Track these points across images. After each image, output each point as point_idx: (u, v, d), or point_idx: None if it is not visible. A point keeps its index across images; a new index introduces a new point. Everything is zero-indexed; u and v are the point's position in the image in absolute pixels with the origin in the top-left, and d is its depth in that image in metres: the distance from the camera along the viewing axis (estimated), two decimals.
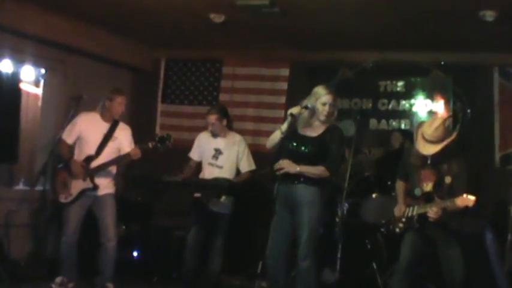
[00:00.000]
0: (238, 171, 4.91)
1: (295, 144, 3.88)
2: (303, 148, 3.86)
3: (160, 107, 6.80)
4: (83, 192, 4.48)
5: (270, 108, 6.38)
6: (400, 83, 6.09)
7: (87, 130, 4.57)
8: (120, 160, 4.57)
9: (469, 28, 5.00)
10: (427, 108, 6.00)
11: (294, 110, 3.86)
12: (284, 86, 6.38)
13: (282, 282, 3.89)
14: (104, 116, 4.60)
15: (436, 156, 3.80)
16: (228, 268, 5.02)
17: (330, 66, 6.17)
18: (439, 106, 5.93)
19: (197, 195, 4.77)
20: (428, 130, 3.81)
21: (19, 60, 5.44)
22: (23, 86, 5.69)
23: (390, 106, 6.11)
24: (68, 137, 4.59)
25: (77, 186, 4.48)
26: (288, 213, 3.87)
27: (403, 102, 6.07)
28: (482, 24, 4.73)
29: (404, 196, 4.02)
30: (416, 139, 3.89)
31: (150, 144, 4.50)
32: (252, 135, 6.21)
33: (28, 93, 5.83)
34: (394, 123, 6.08)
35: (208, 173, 4.86)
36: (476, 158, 5.36)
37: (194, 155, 5.00)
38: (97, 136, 4.55)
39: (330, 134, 3.87)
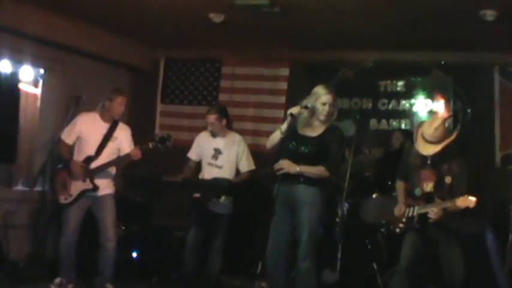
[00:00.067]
0: (237, 171, 4.90)
1: (295, 144, 3.88)
2: (302, 148, 3.85)
3: (159, 107, 6.80)
4: (82, 193, 4.47)
5: (269, 108, 6.37)
6: (400, 83, 6.09)
7: (86, 130, 4.56)
8: (120, 161, 4.56)
9: (469, 28, 4.99)
10: (428, 108, 6.00)
11: (294, 110, 3.85)
12: (284, 85, 6.37)
13: (282, 282, 3.88)
14: (103, 116, 4.59)
15: (436, 157, 3.80)
16: (227, 268, 5.01)
17: (330, 66, 6.16)
18: (439, 106, 5.93)
19: (197, 195, 4.76)
20: (428, 130, 3.80)
21: (18, 60, 5.43)
22: (21, 86, 5.67)
23: (390, 106, 6.11)
24: (68, 137, 4.58)
25: (77, 186, 4.47)
26: (288, 214, 3.86)
27: (403, 102, 6.06)
28: (482, 23, 4.73)
29: (404, 196, 4.02)
30: (416, 139, 3.88)
31: (150, 145, 4.49)
32: (252, 135, 6.20)
33: (27, 94, 5.82)
34: (394, 123, 6.08)
35: (208, 173, 4.85)
36: (476, 158, 5.36)
37: (193, 155, 4.99)
38: (97, 136, 4.54)
39: (330, 134, 3.87)
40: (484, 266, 4.56)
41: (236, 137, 4.94)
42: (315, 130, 3.90)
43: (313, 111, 3.87)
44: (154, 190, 5.43)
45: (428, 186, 3.86)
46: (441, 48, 5.73)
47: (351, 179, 4.49)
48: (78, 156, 4.54)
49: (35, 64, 5.64)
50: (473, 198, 3.56)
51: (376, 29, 5.32)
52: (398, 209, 3.98)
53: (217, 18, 5.18)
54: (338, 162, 3.94)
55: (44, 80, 5.86)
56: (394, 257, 4.16)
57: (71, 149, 4.59)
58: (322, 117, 3.87)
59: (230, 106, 5.71)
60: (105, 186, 4.55)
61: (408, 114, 6.05)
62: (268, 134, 4.12)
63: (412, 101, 6.04)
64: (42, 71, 5.84)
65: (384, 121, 6.10)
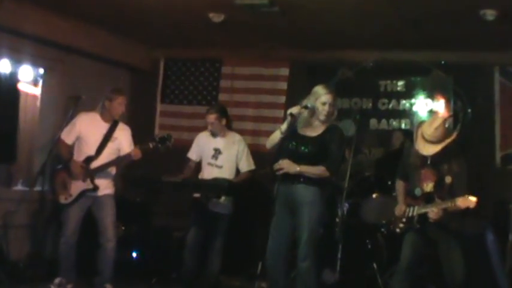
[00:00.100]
0: (237, 171, 4.90)
1: (295, 144, 3.87)
2: (302, 148, 3.85)
3: (159, 107, 6.79)
4: (83, 193, 4.46)
5: (269, 108, 6.36)
6: (401, 83, 6.08)
7: (86, 130, 4.55)
8: (120, 161, 4.55)
9: (469, 27, 4.99)
10: (428, 107, 5.99)
11: (294, 109, 3.84)
12: (284, 85, 6.36)
13: (282, 283, 3.87)
14: (103, 116, 4.58)
15: (436, 156, 3.79)
16: (227, 269, 5.00)
17: (330, 65, 6.15)
18: (439, 106, 5.92)
19: (196, 195, 4.76)
20: (428, 130, 3.79)
21: (17, 60, 5.42)
22: (21, 86, 5.67)
23: (390, 106, 6.10)
24: (67, 137, 4.57)
25: (77, 187, 4.46)
26: (287, 214, 3.85)
27: (404, 101, 6.06)
28: (482, 23, 4.72)
29: (404, 196, 4.01)
30: (416, 139, 3.87)
31: (150, 145, 4.48)
32: (252, 135, 6.20)
33: (26, 94, 5.82)
34: (394, 123, 6.07)
35: (208, 173, 4.84)
36: (477, 158, 5.35)
37: (193, 155, 4.98)
38: (97, 136, 4.53)
39: (329, 134, 3.86)
40: (484, 266, 4.55)
41: (236, 137, 4.93)
42: (315, 130, 3.89)
43: (313, 111, 3.86)
44: (154, 190, 5.41)
45: (429, 186, 3.85)
46: (441, 48, 5.72)
47: (351, 179, 4.48)
48: (78, 156, 4.53)
49: (35, 64, 5.64)
50: (473, 199, 3.55)
51: (376, 29, 5.32)
52: (399, 209, 3.97)
53: (217, 18, 5.17)
54: (338, 162, 3.93)
55: (43, 80, 5.86)
56: (394, 257, 4.15)
57: (70, 149, 4.58)
58: (322, 117, 3.86)
59: (230, 106, 5.70)
60: (105, 186, 4.54)
61: (408, 114, 6.04)
62: (268, 134, 4.11)
63: (412, 100, 6.03)
64: (41, 70, 5.84)
65: (384, 121, 6.09)
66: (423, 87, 6.02)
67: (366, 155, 5.58)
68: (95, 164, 4.49)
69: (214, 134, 4.87)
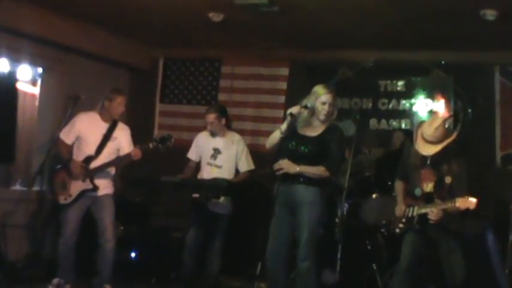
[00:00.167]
0: (237, 171, 4.88)
1: (294, 144, 3.86)
2: (302, 148, 3.84)
3: (158, 106, 6.78)
4: (82, 193, 4.45)
5: (269, 107, 6.35)
6: (401, 83, 6.07)
7: (86, 130, 4.54)
8: (120, 161, 4.54)
9: (469, 27, 4.98)
10: (428, 107, 5.98)
11: (294, 109, 3.84)
12: (283, 85, 6.35)
13: (282, 283, 3.86)
14: (103, 116, 4.57)
15: (436, 157, 3.78)
16: (227, 269, 4.99)
17: (330, 65, 6.14)
18: (439, 106, 5.91)
19: (196, 195, 4.74)
20: (428, 130, 3.78)
21: (16, 60, 5.40)
22: (20, 85, 5.65)
23: (390, 106, 6.09)
24: (67, 137, 4.55)
25: (77, 187, 4.44)
26: (287, 214, 3.85)
27: (404, 101, 6.05)
28: (483, 23, 4.72)
29: (403, 196, 4.00)
30: (415, 139, 3.87)
31: (151, 145, 4.47)
32: (251, 135, 6.19)
33: (25, 93, 5.80)
34: (394, 123, 6.06)
35: (207, 172, 4.83)
36: (477, 158, 5.34)
37: (192, 155, 4.98)
38: (96, 136, 4.52)
39: (329, 134, 3.85)
40: (484, 266, 4.55)
41: (235, 137, 4.93)
42: (315, 130, 3.88)
43: (313, 111, 3.85)
44: (154, 190, 5.41)
45: (429, 187, 3.84)
46: (441, 47, 5.71)
47: (351, 179, 4.47)
48: (78, 156, 4.52)
49: (33, 63, 5.62)
50: (473, 200, 3.55)
51: (376, 29, 5.31)
52: (399, 209, 3.96)
53: (216, 17, 5.16)
54: (338, 162, 3.92)
55: (42, 80, 5.85)
56: (394, 257, 4.14)
57: (70, 148, 4.57)
58: (321, 117, 3.85)
59: (229, 106, 5.70)
60: (105, 186, 4.53)
61: (408, 114, 6.03)
62: (268, 133, 4.10)
63: (413, 100, 6.02)
64: (40, 70, 5.83)
65: (384, 121, 6.08)
66: (423, 87, 6.01)
67: (366, 155, 5.56)
68: (94, 164, 4.47)
69: (213, 134, 4.87)
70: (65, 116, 4.72)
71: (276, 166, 3.82)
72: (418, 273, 4.10)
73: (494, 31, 4.94)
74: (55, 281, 4.50)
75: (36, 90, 5.87)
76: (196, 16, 5.20)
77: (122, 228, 5.28)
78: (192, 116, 6.52)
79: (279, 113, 6.18)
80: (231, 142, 4.87)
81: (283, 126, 3.86)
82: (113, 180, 4.63)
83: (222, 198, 4.69)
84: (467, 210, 3.58)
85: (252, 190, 5.17)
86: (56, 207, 4.60)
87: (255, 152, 5.10)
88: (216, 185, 4.68)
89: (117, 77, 6.46)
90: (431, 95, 5.97)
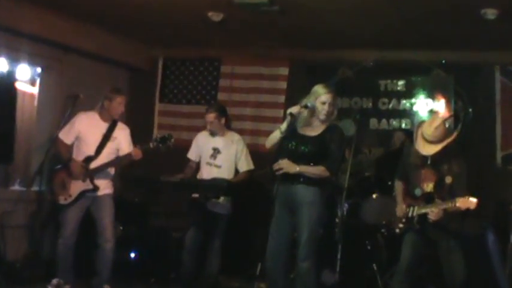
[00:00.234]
0: (236, 171, 4.87)
1: (294, 143, 3.85)
2: (302, 148, 3.82)
3: (158, 106, 6.76)
4: (82, 194, 4.44)
5: (269, 107, 6.33)
6: (401, 82, 6.06)
7: (85, 130, 4.52)
8: (119, 161, 4.53)
9: (470, 27, 4.97)
10: (428, 107, 5.97)
11: (294, 109, 3.83)
12: (283, 85, 6.34)
13: (281, 283, 3.85)
14: (102, 116, 4.56)
15: (436, 156, 3.77)
16: (226, 269, 4.99)
17: (330, 65, 6.13)
18: (440, 105, 5.90)
19: (195, 195, 4.73)
20: (428, 130, 3.78)
21: (15, 59, 5.39)
22: (18, 85, 5.63)
23: (391, 105, 6.07)
24: (66, 137, 4.54)
25: (77, 187, 4.43)
26: (287, 214, 3.84)
27: (404, 101, 6.03)
28: (483, 22, 4.71)
29: (403, 196, 3.99)
30: (416, 139, 3.86)
31: (151, 144, 4.46)
32: (251, 134, 6.18)
33: (24, 93, 5.78)
34: (394, 122, 6.04)
35: (207, 172, 4.82)
36: (477, 158, 5.34)
37: (192, 155, 4.98)
38: (96, 136, 4.50)
39: (329, 134, 3.84)
40: (484, 267, 4.53)
41: (235, 136, 4.92)
42: (315, 129, 3.87)
43: (312, 111, 3.84)
44: (153, 190, 5.39)
45: (429, 187, 3.84)
46: (442, 47, 5.69)
47: (351, 179, 4.46)
48: (77, 156, 4.51)
49: (32, 63, 5.60)
50: (474, 200, 3.54)
51: (376, 28, 5.30)
52: (400, 209, 3.95)
53: (216, 17, 5.15)
54: (338, 162, 3.91)
55: (41, 79, 5.84)
56: (394, 257, 4.13)
57: (69, 148, 4.56)
58: (321, 117, 3.84)
59: (229, 105, 5.69)
60: (104, 187, 4.52)
61: (409, 113, 6.02)
62: (268, 133, 4.09)
63: (413, 100, 6.00)
64: (39, 69, 5.81)
65: (384, 121, 6.06)
66: (423, 87, 6.00)
67: (366, 155, 5.55)
68: (94, 164, 4.46)
69: (213, 134, 4.86)
70: (64, 116, 4.71)
71: (276, 166, 3.81)
72: (418, 274, 4.09)
73: (494, 30, 4.93)
74: (54, 281, 4.48)
75: (35, 90, 5.86)
76: (195, 16, 5.19)
77: (121, 228, 5.26)
78: (191, 116, 6.51)
79: (279, 112, 6.17)
80: (231, 142, 4.86)
81: (283, 126, 3.85)
82: (112, 180, 4.62)
83: (221, 198, 4.68)
84: (467, 210, 3.58)
85: (252, 190, 5.15)
86: (56, 208, 4.58)
87: (255, 152, 5.09)
88: (216, 185, 4.67)
89: (116, 76, 6.44)
90: (431, 95, 5.95)
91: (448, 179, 3.75)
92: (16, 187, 5.57)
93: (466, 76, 5.84)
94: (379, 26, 5.22)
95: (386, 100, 6.08)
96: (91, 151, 4.47)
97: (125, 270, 5.00)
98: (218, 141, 4.85)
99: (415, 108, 6.01)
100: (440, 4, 4.54)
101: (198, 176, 4.88)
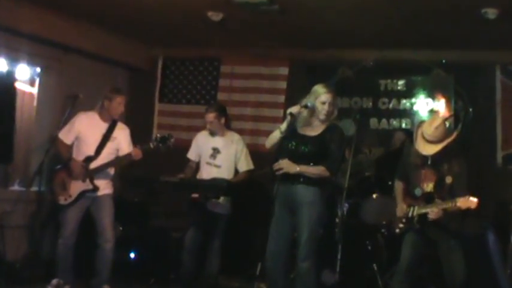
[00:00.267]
0: (236, 171, 4.87)
1: (294, 143, 3.84)
2: (302, 148, 3.82)
3: (157, 106, 6.75)
4: (82, 194, 4.43)
5: (269, 107, 6.33)
6: (401, 82, 6.05)
7: (85, 130, 4.52)
8: (119, 161, 4.52)
9: (470, 26, 4.96)
10: (428, 107, 5.96)
11: (294, 109, 3.82)
12: (283, 84, 6.33)
13: (281, 283, 3.84)
14: (102, 116, 4.55)
15: (436, 156, 3.77)
16: (226, 269, 4.98)
17: (330, 64, 6.12)
18: (440, 105, 5.89)
19: (195, 195, 4.72)
20: (428, 130, 3.77)
21: (14, 59, 5.38)
22: (18, 85, 5.62)
23: (391, 105, 6.06)
24: (66, 137, 4.53)
25: (77, 187, 4.42)
26: (287, 214, 3.83)
27: (404, 101, 6.03)
28: (484, 22, 4.70)
29: (403, 196, 3.98)
30: (416, 139, 3.85)
31: (151, 145, 4.45)
32: (251, 134, 6.17)
33: (23, 93, 5.77)
34: (394, 122, 6.04)
35: (206, 172, 4.82)
36: (478, 158, 5.34)
37: (192, 155, 4.97)
38: (96, 136, 4.50)
39: (330, 133, 3.83)
40: (485, 267, 4.53)
41: (235, 136, 4.91)
42: (315, 129, 3.86)
43: (312, 111, 3.84)
44: (152, 190, 5.38)
45: (429, 187, 3.83)
46: (442, 46, 5.68)
47: (351, 179, 4.45)
48: (77, 156, 4.50)
49: (32, 63, 5.60)
50: (474, 199, 3.53)
51: (376, 28, 5.29)
52: (401, 209, 3.94)
53: (215, 16, 5.14)
54: (338, 162, 3.90)
55: (40, 79, 5.82)
56: (394, 257, 4.12)
57: (69, 148, 4.55)
58: (321, 117, 3.83)
59: (229, 105, 5.67)
60: (104, 187, 4.52)
61: (409, 113, 6.01)
62: (268, 133, 4.08)
63: (413, 100, 6.00)
64: (38, 69, 5.80)
65: (384, 120, 6.05)
66: (424, 87, 5.99)
67: (366, 155, 5.53)
68: (94, 164, 4.45)
69: (212, 133, 4.85)
70: (64, 116, 4.70)
71: (276, 166, 3.80)
72: (418, 274, 4.08)
73: (495, 30, 4.92)
74: (54, 281, 4.48)
75: (34, 90, 5.85)
76: (195, 15, 5.18)
77: (121, 228, 5.25)
78: (191, 116, 6.50)
79: (279, 112, 6.16)
80: (231, 142, 4.85)
81: (283, 125, 3.84)
82: (112, 180, 4.61)
83: (221, 198, 4.67)
84: (468, 210, 3.57)
85: (252, 190, 5.14)
86: (55, 208, 4.58)
87: (255, 152, 5.08)
88: (216, 185, 4.66)
89: (115, 76, 6.44)
90: (431, 95, 5.95)
91: (449, 179, 3.75)
92: (16, 187, 5.56)
93: (466, 76, 5.83)
94: (379, 25, 5.22)
95: (386, 100, 6.07)
96: (91, 151, 4.47)
97: (125, 270, 5.00)
98: (218, 141, 4.84)
99: (415, 108, 6.00)
100: (440, 3, 4.53)
101: (198, 176, 4.88)
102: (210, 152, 4.83)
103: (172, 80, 6.73)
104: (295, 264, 3.79)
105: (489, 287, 4.53)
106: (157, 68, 6.76)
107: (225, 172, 4.78)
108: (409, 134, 5.24)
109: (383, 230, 4.25)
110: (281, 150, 3.86)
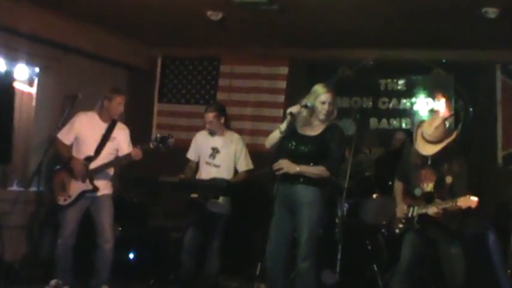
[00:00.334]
0: (236, 171, 4.85)
1: (294, 143, 3.83)
2: (302, 147, 3.81)
3: (156, 106, 6.73)
4: (82, 194, 4.42)
5: (268, 107, 6.31)
6: (401, 81, 6.03)
7: (85, 130, 4.51)
8: (119, 161, 4.51)
9: (470, 25, 4.96)
10: (428, 107, 5.94)
11: (293, 109, 3.82)
12: (283, 84, 6.31)
13: (281, 283, 3.84)
14: (102, 116, 4.54)
15: (436, 156, 3.75)
16: (226, 270, 4.98)
17: (330, 64, 6.11)
18: (440, 105, 5.88)
19: (194, 195, 4.71)
20: (428, 130, 3.76)
21: (13, 59, 5.36)
22: (16, 85, 5.60)
23: (391, 105, 6.05)
24: (66, 137, 4.52)
25: (76, 187, 4.41)
26: (287, 214, 3.82)
27: (404, 100, 6.01)
28: (484, 21, 4.69)
29: (402, 197, 3.97)
30: (415, 139, 3.84)
31: (151, 145, 4.44)
32: (251, 134, 6.16)
33: (22, 93, 5.76)
34: (394, 122, 6.02)
35: (205, 172, 4.81)
36: (478, 158, 5.32)
37: (191, 155, 4.97)
38: (96, 137, 4.49)
39: (329, 133, 3.83)
40: (485, 267, 4.52)
41: (234, 136, 4.91)
42: (315, 129, 3.86)
43: (312, 110, 3.83)
44: (152, 190, 5.37)
45: (429, 187, 3.82)
46: (442, 46, 5.68)
47: (351, 179, 4.44)
48: (77, 157, 4.48)
49: (30, 63, 5.58)
50: (475, 198, 3.52)
51: (376, 27, 5.28)
52: (401, 209, 3.92)
53: (215, 16, 5.13)
54: (338, 162, 3.90)
55: (39, 79, 5.81)
56: (394, 257, 4.12)
57: (69, 149, 4.54)
58: (321, 116, 3.82)
59: (228, 105, 5.67)
60: (104, 187, 4.51)
61: (409, 113, 5.99)
62: (267, 133, 4.07)
63: (413, 99, 5.98)
64: (37, 69, 5.79)
65: (384, 120, 6.04)
66: (424, 86, 5.97)
67: (366, 155, 5.52)
68: (93, 165, 4.44)
69: (212, 133, 4.85)
70: (63, 116, 4.69)
71: (276, 166, 3.79)
72: (419, 274, 4.08)
73: (495, 29, 4.91)
74: (53, 282, 4.46)
75: (33, 90, 5.83)
76: (194, 15, 5.17)
77: (120, 228, 5.24)
78: (190, 116, 6.48)
79: (279, 112, 6.15)
80: (230, 141, 4.85)
81: (283, 125, 3.83)
82: (111, 181, 4.60)
83: (220, 198, 4.67)
84: (468, 209, 3.55)
85: (252, 190, 5.13)
86: (54, 208, 4.56)
87: (255, 152, 5.07)
88: (215, 185, 4.66)
89: (115, 76, 6.42)
90: (432, 94, 5.93)
91: (449, 179, 3.74)
92: (14, 187, 5.55)
93: (467, 75, 5.81)
94: (379, 24, 5.20)
95: (386, 99, 6.06)
96: (90, 151, 4.46)
97: (124, 270, 4.99)
98: (217, 141, 4.84)
99: (415, 107, 5.98)
100: (440, 3, 4.52)
101: (197, 176, 4.87)
102: (210, 151, 4.82)
103: (172, 79, 6.72)
104: (295, 264, 3.78)
105: (489, 287, 4.52)
106: (156, 68, 6.74)
107: (224, 172, 4.77)
108: (409, 134, 5.23)
109: (383, 230, 4.24)
110: (281, 150, 3.85)
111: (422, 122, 4.02)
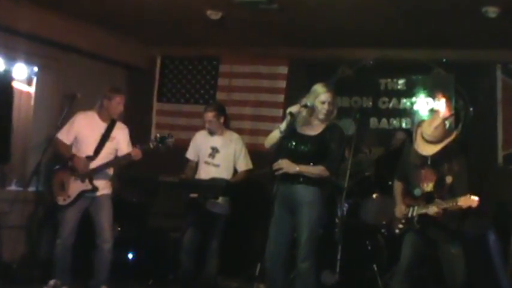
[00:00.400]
0: (235, 171, 4.84)
1: (294, 143, 3.83)
2: (302, 147, 3.80)
3: (156, 105, 6.72)
4: (81, 194, 4.41)
5: (268, 106, 6.30)
6: (401, 81, 6.02)
7: (84, 130, 4.50)
8: (118, 161, 4.50)
9: (471, 25, 4.95)
10: (429, 106, 5.93)
11: (293, 108, 3.81)
12: (283, 84, 6.30)
13: (281, 283, 3.84)
14: (101, 116, 4.53)
15: (436, 156, 3.75)
16: (225, 270, 4.98)
17: (330, 63, 6.10)
18: (440, 104, 5.86)
19: (193, 195, 4.70)
20: (428, 130, 3.75)
21: (11, 58, 5.36)
22: (15, 84, 5.59)
23: (391, 104, 6.04)
24: (66, 137, 4.51)
25: (76, 187, 4.40)
26: (287, 214, 3.82)
27: (404, 100, 6.00)
28: (484, 20, 4.68)
29: (402, 197, 3.97)
30: (415, 139, 3.84)
31: (151, 145, 4.43)
32: (250, 134, 6.14)
33: (20, 92, 5.76)
34: (394, 122, 6.01)
35: (205, 172, 4.80)
36: (478, 157, 5.31)
37: (191, 155, 4.96)
38: (95, 136, 4.48)
39: (329, 133, 3.82)
40: (486, 267, 4.51)
41: (234, 136, 4.91)
42: (315, 129, 3.85)
43: (312, 110, 3.82)
44: (151, 190, 5.36)
45: (429, 187, 3.82)
46: (442, 45, 5.67)
47: (350, 179, 4.43)
48: None
49: (29, 62, 5.57)
50: (475, 198, 3.52)
51: (376, 26, 5.27)
52: (399, 210, 3.91)
53: (214, 15, 5.12)
54: (338, 162, 3.89)
55: (37, 78, 5.81)
56: (394, 258, 4.11)
57: (69, 148, 4.52)
58: (321, 116, 3.82)
59: (228, 105, 5.66)
60: (103, 187, 4.50)
61: (409, 113, 5.98)
62: (267, 133, 4.07)
63: (413, 99, 5.97)
64: (36, 68, 5.78)
65: (384, 120, 6.03)
66: (424, 86, 5.96)
67: (366, 155, 5.52)
68: (93, 164, 4.43)
69: (211, 133, 4.84)
70: (61, 115, 4.68)
71: (276, 166, 3.79)
72: (419, 274, 4.07)
73: (495, 29, 4.90)
74: (51, 282, 4.45)
75: (31, 89, 5.83)
76: (194, 14, 5.16)
77: (119, 228, 5.23)
78: (190, 115, 6.47)
79: (278, 112, 6.14)
80: (229, 141, 4.84)
81: (283, 125, 3.83)
82: (110, 181, 4.59)
83: (220, 198, 4.66)
84: (469, 208, 3.55)
85: (251, 190, 5.12)
86: (53, 208, 4.55)
87: (254, 152, 5.07)
88: (215, 185, 4.65)
89: (114, 75, 6.41)
90: (432, 94, 5.92)
91: (449, 179, 3.74)
92: (13, 187, 5.54)
93: (467, 75, 5.80)
94: (379, 24, 5.19)
95: (386, 99, 6.04)
96: (90, 151, 4.45)
97: (123, 271, 4.98)
98: (217, 141, 4.83)
99: (415, 107, 5.97)
100: (440, 2, 4.51)
101: (196, 176, 4.87)
102: (209, 151, 4.82)
103: (171, 79, 6.70)
104: (295, 264, 3.77)
105: (490, 287, 4.51)
106: (155, 67, 6.73)
107: (223, 172, 4.76)
108: (409, 134, 5.21)
109: (383, 230, 4.23)
110: (281, 150, 3.85)
111: (422, 121, 4.02)
